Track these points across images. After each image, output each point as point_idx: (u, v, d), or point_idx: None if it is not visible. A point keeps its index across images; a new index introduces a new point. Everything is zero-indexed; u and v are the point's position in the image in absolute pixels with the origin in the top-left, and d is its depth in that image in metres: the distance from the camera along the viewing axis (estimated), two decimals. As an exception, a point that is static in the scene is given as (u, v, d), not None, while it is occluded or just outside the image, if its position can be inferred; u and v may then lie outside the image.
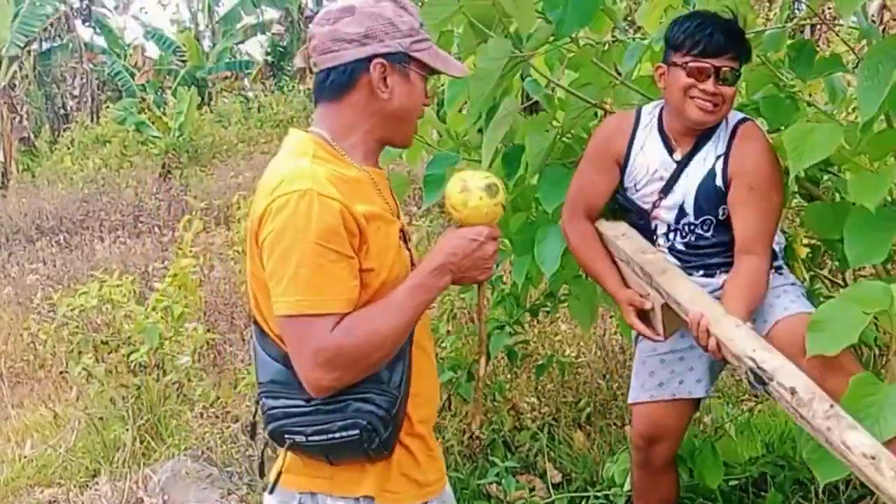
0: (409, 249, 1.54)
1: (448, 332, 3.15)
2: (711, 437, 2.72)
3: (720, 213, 2.21)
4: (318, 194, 1.36)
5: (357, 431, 1.40)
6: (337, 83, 1.47)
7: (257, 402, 1.50)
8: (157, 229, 7.67)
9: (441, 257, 1.46)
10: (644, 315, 2.21)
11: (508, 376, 3.53)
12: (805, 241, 2.67)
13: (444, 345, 3.05)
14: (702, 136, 2.20)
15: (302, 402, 1.41)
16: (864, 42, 2.68)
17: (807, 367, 2.04)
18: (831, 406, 1.82)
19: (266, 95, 15.10)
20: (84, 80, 18.63)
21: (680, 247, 2.27)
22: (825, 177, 2.68)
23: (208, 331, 4.09)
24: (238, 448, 3.12)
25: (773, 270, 2.28)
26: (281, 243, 1.35)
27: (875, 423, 1.93)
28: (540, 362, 3.41)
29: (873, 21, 2.76)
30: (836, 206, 2.50)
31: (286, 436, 1.43)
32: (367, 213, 1.41)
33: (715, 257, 2.27)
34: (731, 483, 2.86)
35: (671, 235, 2.27)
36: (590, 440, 3.22)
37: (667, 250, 2.28)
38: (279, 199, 1.36)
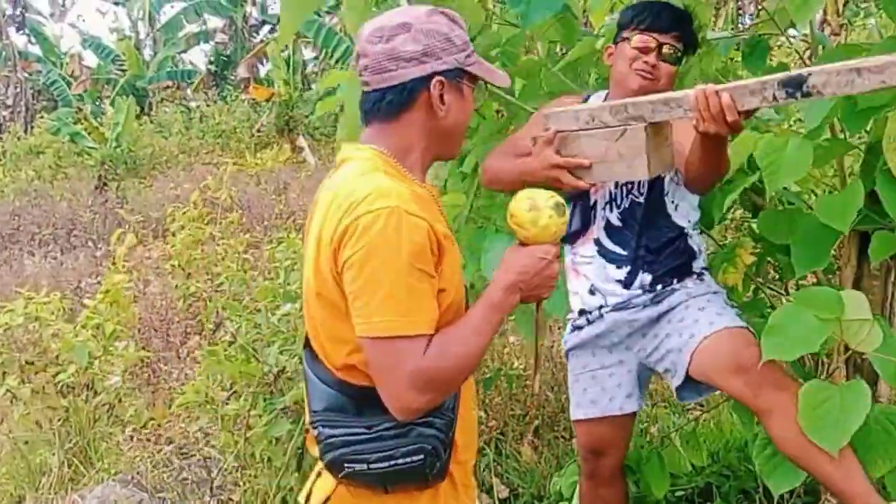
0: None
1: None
2: (657, 446, 2.69)
3: None
4: (406, 212, 1.34)
5: (422, 457, 1.39)
6: (395, 102, 1.44)
7: (306, 432, 1.46)
8: (90, 243, 7.42)
9: (513, 276, 1.45)
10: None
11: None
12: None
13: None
14: None
15: (363, 430, 1.39)
16: (811, 51, 2.70)
17: (738, 385, 2.04)
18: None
19: (209, 105, 14.85)
20: (18, 90, 18.12)
21: (616, 221, 2.26)
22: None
23: (143, 348, 3.95)
24: (170, 472, 2.99)
25: (694, 276, 2.28)
26: (371, 262, 1.32)
27: (835, 427, 1.93)
28: (487, 375, 3.35)
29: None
30: (790, 213, 2.49)
31: (346, 465, 1.40)
32: (444, 233, 1.40)
33: (651, 243, 2.25)
34: (678, 493, 2.84)
35: (608, 209, 2.27)
36: (537, 453, 3.17)
37: (602, 231, 2.27)
38: (366, 217, 1.32)
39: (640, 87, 2.19)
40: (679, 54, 2.24)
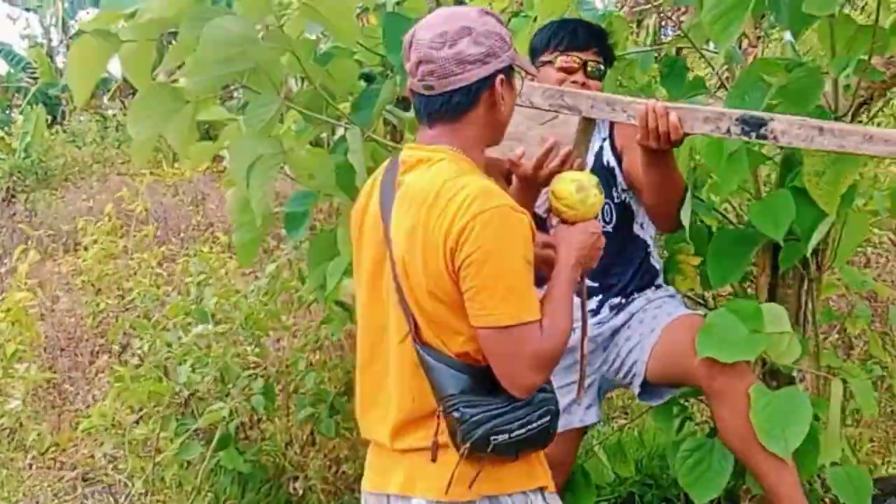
0: None
1: (310, 364, 2.98)
2: (583, 458, 2.68)
3: (615, 196, 2.26)
4: (512, 209, 1.50)
5: (549, 418, 1.57)
6: (463, 103, 1.56)
7: (439, 417, 1.54)
8: (-5, 259, 7.04)
9: (575, 252, 1.64)
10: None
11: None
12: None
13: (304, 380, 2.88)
14: None
15: (501, 403, 1.52)
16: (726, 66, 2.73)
17: (698, 364, 2.05)
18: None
19: (125, 114, 14.36)
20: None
21: None
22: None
23: (48, 369, 3.74)
24: (73, 500, 2.83)
25: (652, 287, 2.28)
26: (493, 258, 1.47)
27: (785, 432, 1.98)
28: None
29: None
30: (707, 228, 2.54)
31: (492, 437, 1.50)
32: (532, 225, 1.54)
33: (617, 265, 2.25)
34: (601, 504, 2.84)
35: None
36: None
37: None
38: (482, 216, 1.46)
39: None
40: (602, 68, 2.25)
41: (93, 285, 4.91)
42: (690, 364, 2.07)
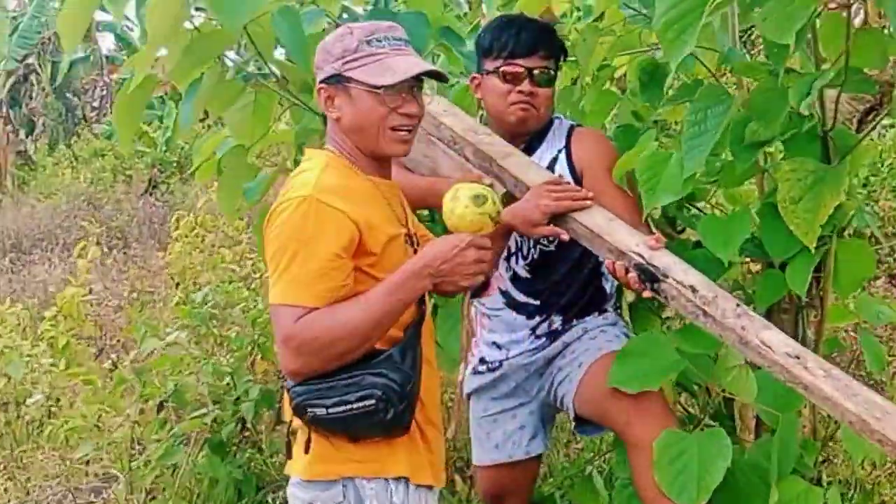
0: (416, 251, 1.65)
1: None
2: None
3: None
4: (319, 201, 1.53)
5: (373, 401, 1.52)
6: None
7: (282, 389, 1.66)
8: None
9: (422, 260, 1.57)
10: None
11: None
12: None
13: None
14: (533, 138, 2.11)
15: (320, 378, 1.54)
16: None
17: (612, 409, 1.91)
18: (738, 304, 1.67)
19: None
20: (105, 92, 18.82)
21: (524, 273, 2.13)
22: (683, 211, 2.46)
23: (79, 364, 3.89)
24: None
25: (596, 313, 2.14)
26: (277, 241, 1.54)
27: (695, 483, 1.78)
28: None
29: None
30: (680, 242, 2.30)
31: (308, 409, 1.54)
32: (367, 221, 1.56)
33: (565, 290, 2.10)
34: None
35: (513, 261, 2.13)
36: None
37: (509, 283, 2.13)
38: (282, 205, 1.56)
39: (520, 120, 2.06)
40: (552, 72, 2.06)
41: (172, 278, 5.17)
42: (606, 408, 1.89)
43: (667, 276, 1.70)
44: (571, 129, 2.14)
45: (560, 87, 2.44)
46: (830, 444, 2.40)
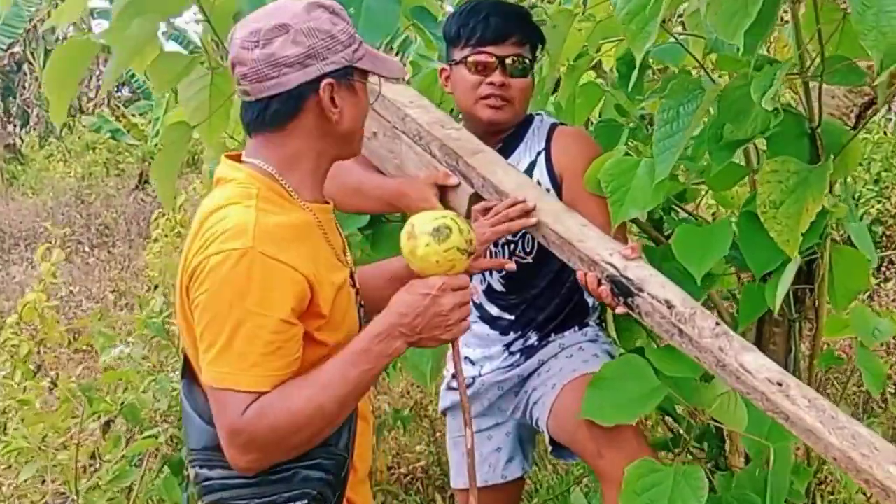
0: (357, 291, 1.43)
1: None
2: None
3: None
4: (262, 255, 1.23)
5: (305, 502, 1.30)
6: (282, 112, 1.32)
7: (186, 470, 1.35)
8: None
9: (389, 319, 1.31)
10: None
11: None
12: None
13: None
14: (509, 138, 1.90)
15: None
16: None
17: (582, 438, 1.75)
18: (717, 323, 1.48)
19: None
20: (101, 82, 18.61)
21: (498, 286, 1.97)
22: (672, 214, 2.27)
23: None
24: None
25: (575, 327, 1.98)
26: (213, 308, 1.23)
27: None
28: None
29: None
30: (664, 250, 2.10)
31: None
32: (315, 273, 1.28)
33: (544, 304, 1.92)
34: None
35: (487, 273, 1.96)
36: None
37: (483, 296, 1.97)
38: (216, 257, 1.23)
39: (492, 117, 1.85)
40: (528, 61, 1.85)
41: (151, 280, 5.00)
42: (577, 437, 1.73)
43: (641, 290, 1.53)
44: (553, 128, 1.94)
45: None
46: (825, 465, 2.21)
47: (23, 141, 12.11)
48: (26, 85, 14.17)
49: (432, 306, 1.31)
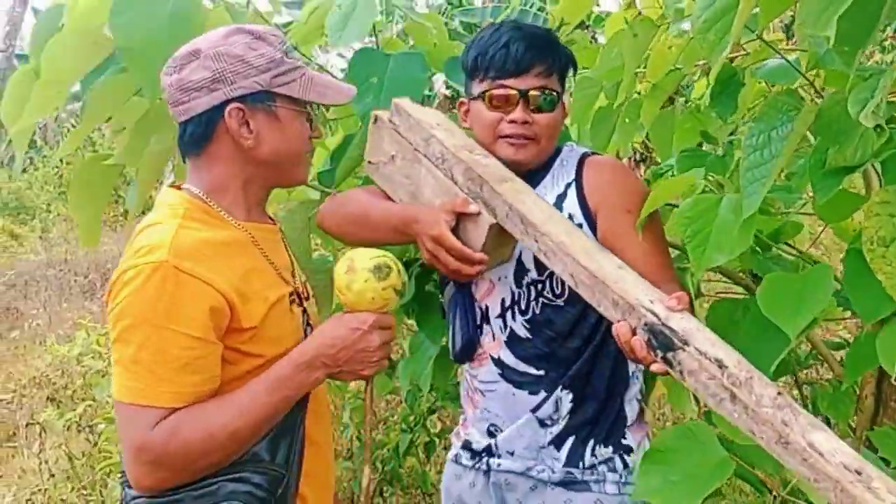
0: (305, 310, 1.43)
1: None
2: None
3: None
4: (176, 269, 1.23)
5: None
6: (196, 135, 1.35)
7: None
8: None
9: (314, 348, 1.32)
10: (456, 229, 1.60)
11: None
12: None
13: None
14: (535, 171, 1.68)
15: (166, 489, 1.25)
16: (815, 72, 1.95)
17: None
18: (779, 393, 1.23)
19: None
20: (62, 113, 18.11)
21: (523, 333, 1.67)
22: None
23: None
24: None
25: (619, 457, 1.72)
26: (123, 321, 1.23)
27: None
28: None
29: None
30: (745, 302, 1.79)
31: None
32: (240, 290, 1.28)
33: (576, 358, 1.66)
34: None
35: (509, 316, 1.68)
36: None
37: (505, 348, 1.68)
38: (129, 272, 1.24)
39: (514, 157, 1.63)
40: (555, 94, 1.63)
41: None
42: None
43: (686, 344, 1.28)
44: (583, 157, 1.70)
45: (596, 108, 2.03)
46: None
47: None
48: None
49: (360, 342, 1.34)
